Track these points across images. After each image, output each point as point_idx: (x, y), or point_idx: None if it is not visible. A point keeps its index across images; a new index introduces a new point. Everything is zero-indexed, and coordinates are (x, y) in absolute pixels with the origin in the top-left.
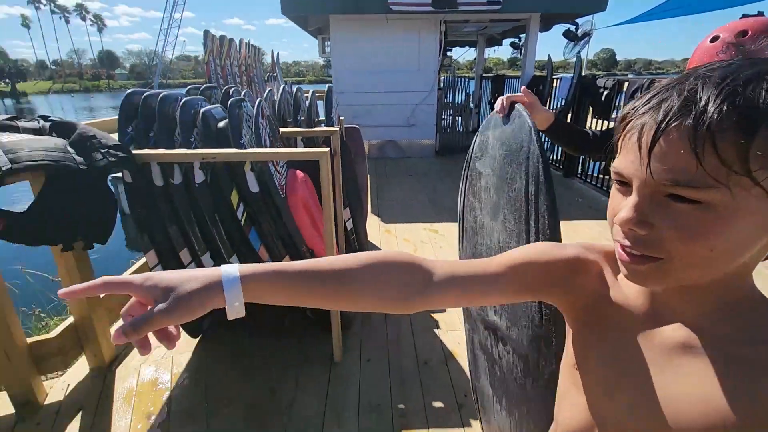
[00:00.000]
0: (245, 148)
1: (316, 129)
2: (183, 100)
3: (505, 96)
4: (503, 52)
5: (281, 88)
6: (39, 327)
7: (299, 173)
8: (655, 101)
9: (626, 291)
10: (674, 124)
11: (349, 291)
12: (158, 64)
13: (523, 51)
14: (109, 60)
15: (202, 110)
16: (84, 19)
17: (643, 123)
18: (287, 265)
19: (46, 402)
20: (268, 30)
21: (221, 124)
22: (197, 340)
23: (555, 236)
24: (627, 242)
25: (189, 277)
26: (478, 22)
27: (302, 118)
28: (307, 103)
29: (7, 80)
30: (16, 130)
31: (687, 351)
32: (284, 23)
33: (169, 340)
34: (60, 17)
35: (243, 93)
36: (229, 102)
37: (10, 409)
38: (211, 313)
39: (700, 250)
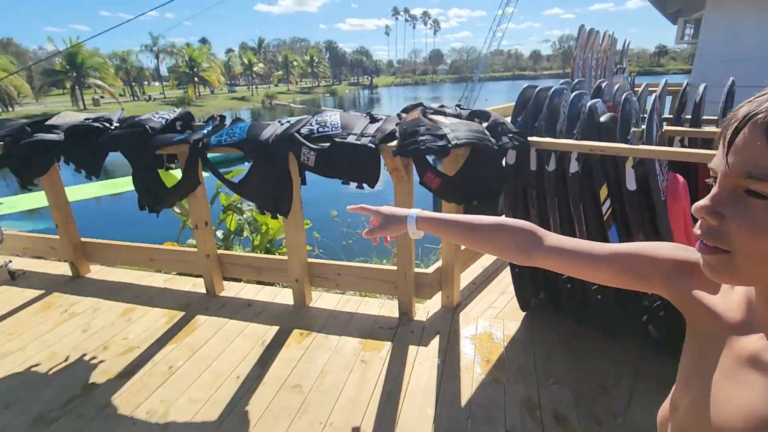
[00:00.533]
0: (631, 144)
1: (707, 130)
2: (574, 94)
3: None
4: None
5: (664, 82)
6: None
7: (680, 177)
8: (757, 98)
9: (730, 299)
10: (759, 116)
11: (479, 239)
12: (481, 59)
13: None
14: (436, 57)
15: (588, 104)
16: (425, 23)
17: (734, 116)
18: (448, 215)
19: (415, 318)
20: (586, 17)
21: (603, 118)
22: (524, 314)
23: None
24: (699, 232)
25: (394, 212)
26: None
27: (686, 116)
28: (697, 99)
29: (368, 76)
30: (444, 115)
31: (754, 364)
32: (609, 7)
33: (386, 240)
34: (410, 24)
35: (615, 88)
36: (623, 97)
37: (396, 314)
38: (540, 291)
39: (764, 247)
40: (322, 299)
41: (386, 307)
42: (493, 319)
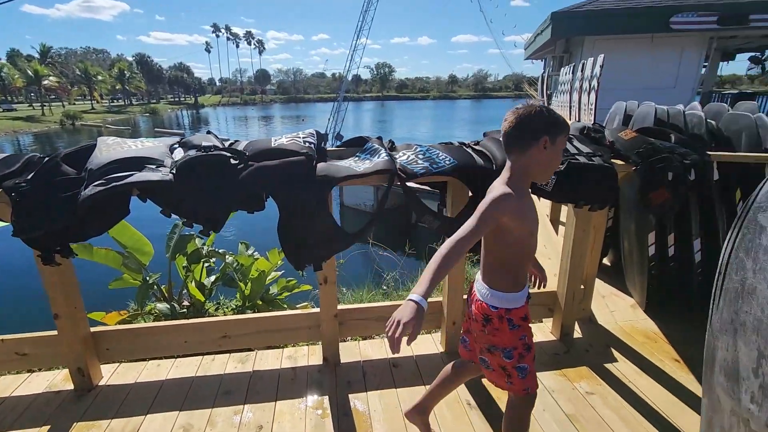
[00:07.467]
0: None
1: None
2: None
3: None
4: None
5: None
6: None
7: None
8: None
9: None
10: None
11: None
12: (344, 82)
13: None
14: (263, 77)
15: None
16: (249, 43)
17: None
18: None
19: None
20: (390, 48)
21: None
22: None
23: None
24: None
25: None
26: (748, 37)
27: None
28: None
29: (191, 95)
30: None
31: None
32: (406, 42)
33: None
34: (233, 42)
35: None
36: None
37: None
38: None
39: None
40: None
41: None
42: None
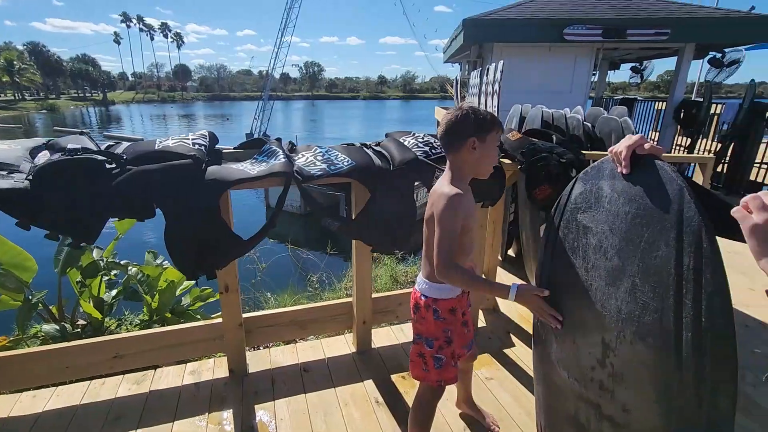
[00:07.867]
0: None
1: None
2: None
3: (624, 145)
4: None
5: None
6: None
7: None
8: None
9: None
10: None
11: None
12: (269, 80)
13: (674, 76)
14: (183, 73)
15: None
16: (166, 36)
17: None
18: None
19: None
20: (319, 47)
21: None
22: None
23: (726, 321)
24: None
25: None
26: (627, 49)
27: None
28: None
29: (99, 90)
30: None
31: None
32: (335, 41)
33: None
34: (146, 34)
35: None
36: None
37: None
38: None
39: None
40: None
41: None
42: None
